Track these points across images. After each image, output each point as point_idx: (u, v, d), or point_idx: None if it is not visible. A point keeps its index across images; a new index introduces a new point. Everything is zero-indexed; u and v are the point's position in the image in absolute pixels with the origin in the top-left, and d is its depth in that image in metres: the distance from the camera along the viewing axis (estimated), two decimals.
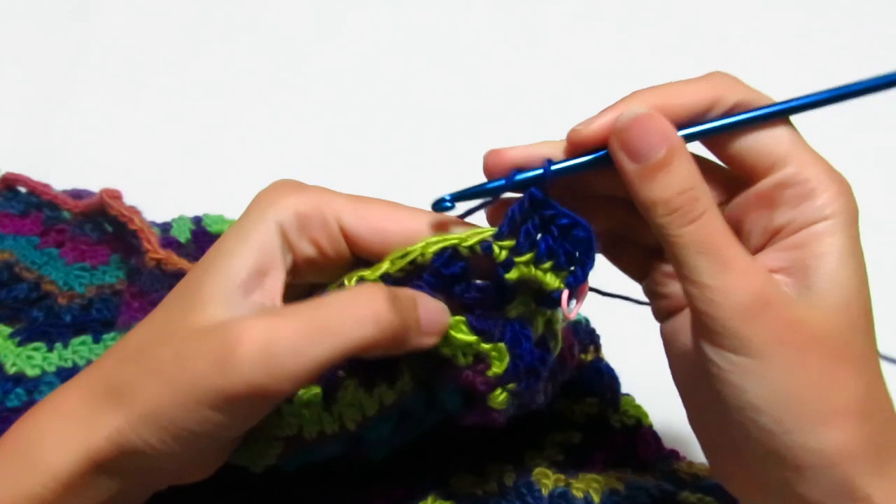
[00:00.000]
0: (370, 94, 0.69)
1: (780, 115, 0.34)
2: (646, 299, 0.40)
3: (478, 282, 0.35)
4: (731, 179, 0.36)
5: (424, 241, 0.34)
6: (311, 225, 0.34)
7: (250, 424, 0.33)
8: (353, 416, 0.37)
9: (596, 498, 0.41)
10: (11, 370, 0.49)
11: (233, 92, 0.69)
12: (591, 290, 0.37)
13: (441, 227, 0.35)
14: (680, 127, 0.33)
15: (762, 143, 0.34)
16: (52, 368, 0.50)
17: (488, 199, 0.35)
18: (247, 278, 0.33)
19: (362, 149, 0.66)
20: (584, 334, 0.48)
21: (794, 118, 0.34)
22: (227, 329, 0.31)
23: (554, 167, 0.34)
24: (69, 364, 0.50)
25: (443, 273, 0.34)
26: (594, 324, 0.49)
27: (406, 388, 0.37)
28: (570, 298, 0.35)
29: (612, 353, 0.49)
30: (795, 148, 0.34)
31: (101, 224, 0.55)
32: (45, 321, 0.51)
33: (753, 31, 0.72)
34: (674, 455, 0.46)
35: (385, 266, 0.34)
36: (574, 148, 0.35)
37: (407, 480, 0.43)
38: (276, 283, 0.34)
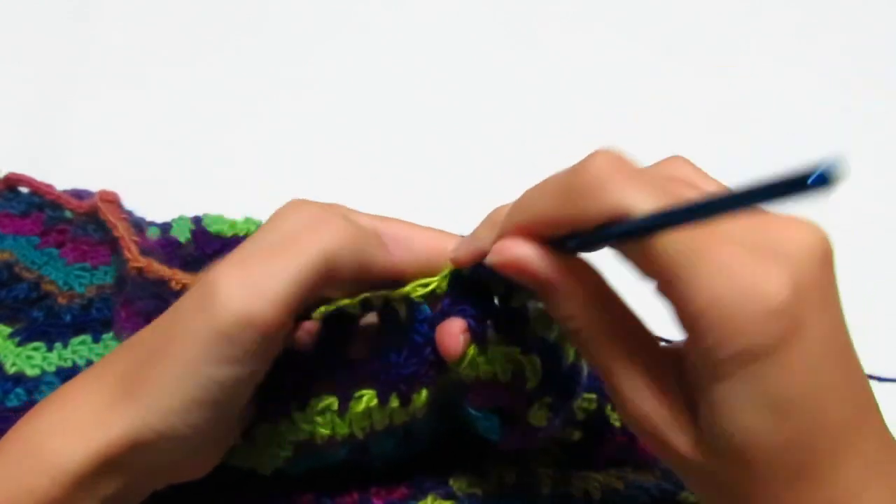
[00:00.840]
0: (370, 94, 0.69)
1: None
2: None
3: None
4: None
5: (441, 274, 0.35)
6: (343, 278, 0.33)
7: (255, 375, 0.33)
8: (362, 426, 0.37)
9: (596, 497, 0.41)
10: (11, 370, 0.49)
11: (233, 92, 0.69)
12: None
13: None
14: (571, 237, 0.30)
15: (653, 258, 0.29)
16: (52, 368, 0.50)
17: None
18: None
19: (362, 148, 0.66)
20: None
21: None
22: (202, 279, 0.32)
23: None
24: (69, 364, 0.50)
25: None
26: None
27: (418, 410, 0.37)
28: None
29: None
30: (687, 265, 0.28)
31: (104, 224, 0.55)
32: (44, 321, 0.51)
33: (753, 30, 0.72)
34: None
35: (408, 289, 0.35)
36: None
37: (407, 480, 0.43)
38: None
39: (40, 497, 0.32)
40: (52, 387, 0.49)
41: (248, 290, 0.31)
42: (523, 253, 0.31)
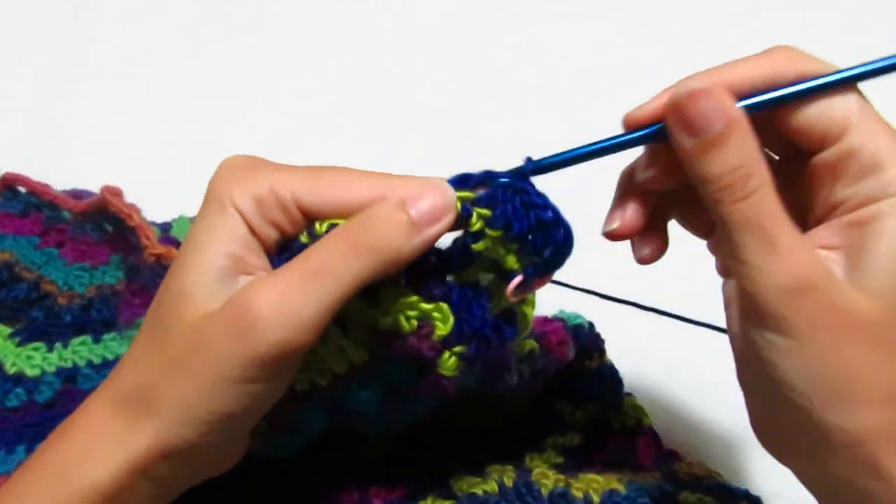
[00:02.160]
0: (370, 94, 0.69)
1: (844, 82, 0.33)
2: (608, 293, 0.40)
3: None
4: (795, 149, 0.35)
5: None
6: (270, 210, 0.34)
7: (283, 386, 0.34)
8: (319, 369, 0.36)
9: (596, 498, 0.41)
10: (11, 370, 0.49)
11: (233, 91, 0.69)
12: (555, 282, 0.37)
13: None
14: (741, 99, 0.33)
15: (826, 112, 0.33)
16: (52, 368, 0.50)
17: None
18: (224, 263, 0.33)
19: (362, 148, 0.66)
20: (589, 339, 0.47)
21: (866, 90, 0.34)
22: (235, 302, 0.32)
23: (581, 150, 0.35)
24: (69, 364, 0.50)
25: None
26: (598, 328, 0.49)
27: (356, 350, 0.36)
28: (521, 284, 0.35)
29: (613, 353, 0.49)
30: (863, 118, 0.33)
31: (102, 224, 0.55)
32: (44, 321, 0.51)
33: (753, 30, 0.72)
34: (674, 455, 0.46)
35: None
36: (630, 130, 0.35)
37: (407, 480, 0.43)
38: (259, 261, 0.34)
39: None
40: (51, 387, 0.49)
41: (287, 320, 0.31)
42: (719, 94, 0.32)
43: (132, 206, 0.54)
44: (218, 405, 0.32)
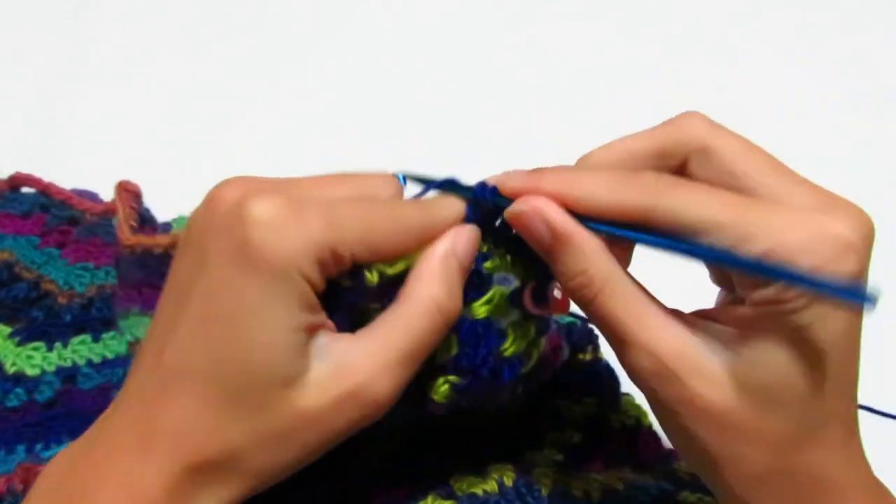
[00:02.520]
0: (370, 93, 0.69)
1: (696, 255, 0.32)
2: None
3: None
4: None
5: None
6: (329, 270, 0.32)
7: None
8: None
9: (596, 498, 0.41)
10: (11, 370, 0.49)
11: (233, 91, 0.69)
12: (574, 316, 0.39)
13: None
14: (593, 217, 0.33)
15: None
16: (52, 368, 0.50)
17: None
18: (306, 333, 0.32)
19: (362, 148, 0.66)
20: (582, 334, 0.48)
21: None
22: (345, 380, 0.33)
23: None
24: (69, 363, 0.50)
25: None
26: (592, 325, 0.49)
27: None
28: (535, 296, 0.36)
29: (612, 353, 0.49)
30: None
31: (114, 227, 0.55)
32: (44, 321, 0.51)
33: (753, 30, 0.72)
34: (674, 455, 0.46)
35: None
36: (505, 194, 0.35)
37: (407, 480, 0.43)
38: (322, 314, 0.33)
39: None
40: (51, 387, 0.49)
41: (390, 396, 0.34)
42: (550, 208, 0.33)
43: (130, 205, 0.53)
44: (301, 466, 0.34)
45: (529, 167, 0.35)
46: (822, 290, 0.29)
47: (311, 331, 0.33)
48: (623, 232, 0.32)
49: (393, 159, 0.65)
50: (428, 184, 0.37)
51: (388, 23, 0.74)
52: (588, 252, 0.33)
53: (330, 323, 0.34)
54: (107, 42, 0.72)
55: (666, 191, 0.32)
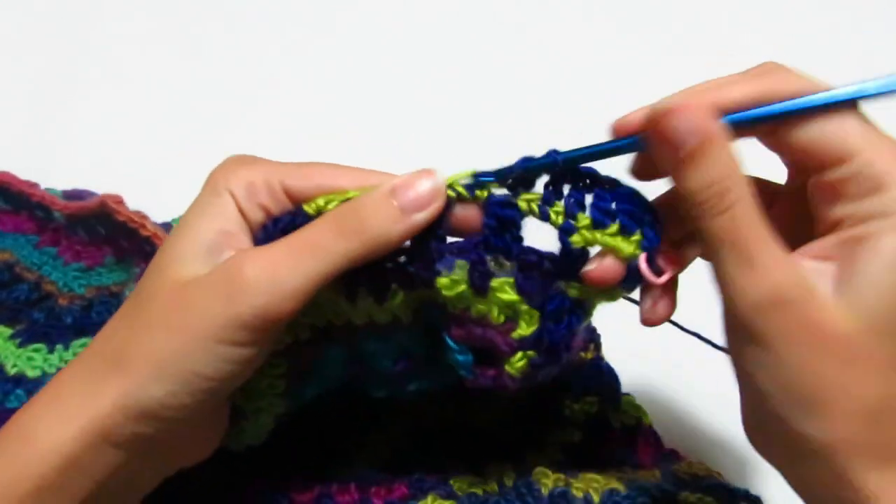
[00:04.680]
0: (370, 94, 0.69)
1: (836, 105, 0.33)
2: None
3: (541, 249, 0.36)
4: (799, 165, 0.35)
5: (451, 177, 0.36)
6: (259, 192, 0.36)
7: (259, 356, 0.35)
8: (336, 312, 0.37)
9: (596, 498, 0.41)
10: (12, 371, 0.49)
11: (232, 91, 0.69)
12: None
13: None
14: (728, 114, 0.33)
15: (824, 135, 0.33)
16: (53, 370, 0.50)
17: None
18: (215, 237, 0.35)
19: (362, 147, 0.66)
20: (585, 332, 0.48)
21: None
22: (227, 265, 0.34)
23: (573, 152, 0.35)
24: None
25: (499, 214, 0.35)
26: (594, 323, 0.49)
27: (400, 314, 0.37)
28: (650, 263, 0.35)
29: (612, 353, 0.49)
30: (864, 139, 0.33)
31: (94, 226, 0.55)
32: (45, 322, 0.51)
33: (754, 30, 0.72)
34: (674, 455, 0.46)
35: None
36: (618, 137, 0.35)
37: (407, 480, 0.43)
38: (244, 241, 0.36)
39: (37, 482, 0.32)
40: None
41: (275, 287, 0.33)
42: (699, 110, 0.32)
43: (140, 214, 0.53)
44: (194, 364, 0.33)
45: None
46: None
47: (229, 240, 0.35)
48: (765, 110, 0.33)
49: (392, 160, 0.65)
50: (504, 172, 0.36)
51: (388, 22, 0.74)
52: (733, 158, 0.32)
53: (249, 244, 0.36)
54: (107, 42, 0.72)
55: (788, 73, 0.34)
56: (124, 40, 0.72)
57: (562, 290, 0.36)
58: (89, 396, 0.33)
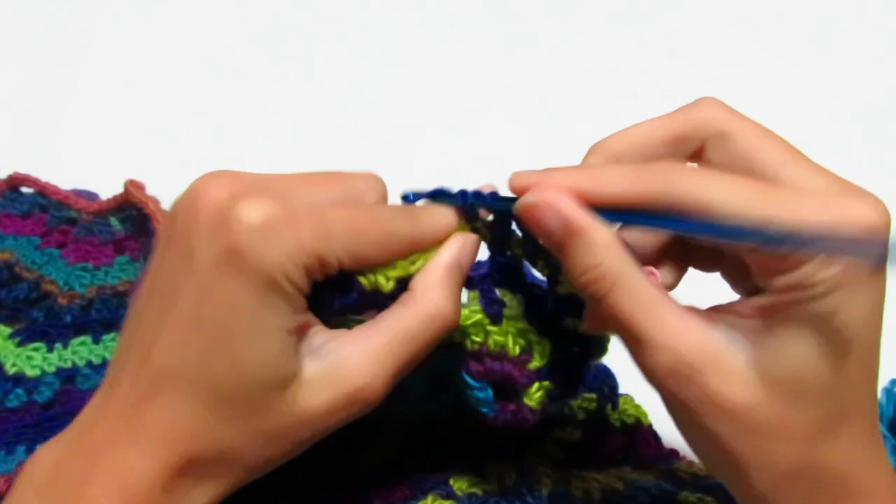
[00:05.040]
0: (371, 95, 0.69)
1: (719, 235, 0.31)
2: None
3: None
4: None
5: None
6: (316, 276, 0.32)
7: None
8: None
9: (596, 497, 0.41)
10: (11, 370, 0.49)
11: (233, 91, 0.69)
12: None
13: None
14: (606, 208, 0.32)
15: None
16: (52, 369, 0.50)
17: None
18: (296, 336, 0.33)
19: (362, 149, 0.66)
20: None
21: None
22: (342, 384, 0.33)
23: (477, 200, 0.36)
24: (69, 365, 0.50)
25: (498, 262, 0.37)
26: None
27: None
28: None
29: (612, 353, 0.48)
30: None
31: (110, 225, 0.55)
32: (45, 321, 0.51)
33: (751, 31, 0.72)
34: (674, 455, 0.46)
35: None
36: (515, 192, 0.34)
37: (407, 480, 0.43)
38: (310, 315, 0.34)
39: None
40: (51, 387, 0.49)
41: (380, 393, 0.34)
42: (562, 199, 0.32)
43: (151, 198, 0.54)
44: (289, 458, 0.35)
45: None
46: (855, 251, 0.28)
47: (301, 332, 0.33)
48: (639, 218, 0.31)
49: (393, 160, 0.65)
50: (426, 195, 0.37)
51: (388, 24, 0.74)
52: (602, 245, 0.32)
53: (318, 322, 0.34)
54: (107, 42, 0.72)
55: (684, 176, 0.31)
56: (125, 40, 0.72)
57: (569, 326, 0.37)
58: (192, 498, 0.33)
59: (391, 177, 0.59)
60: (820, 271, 0.29)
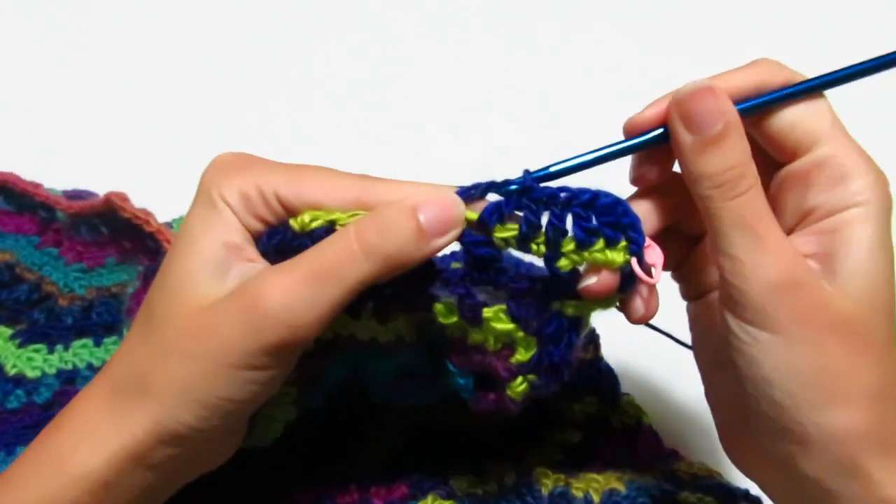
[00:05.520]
0: (371, 96, 0.69)
1: (819, 88, 0.35)
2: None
3: (528, 271, 0.36)
4: (768, 160, 0.37)
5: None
6: (254, 204, 0.35)
7: (283, 375, 0.35)
8: (341, 325, 0.37)
9: (596, 498, 0.41)
10: (12, 372, 0.49)
11: (233, 92, 0.69)
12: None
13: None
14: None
15: (799, 123, 0.35)
16: (53, 370, 0.50)
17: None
18: (221, 252, 0.34)
19: (362, 149, 0.66)
20: (584, 338, 0.48)
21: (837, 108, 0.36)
22: (244, 293, 0.33)
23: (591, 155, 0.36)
24: (69, 366, 0.50)
25: (475, 253, 0.34)
26: (593, 323, 0.49)
27: (403, 333, 0.38)
28: (640, 265, 0.35)
29: (612, 353, 0.49)
30: (834, 132, 0.35)
31: (97, 226, 0.55)
32: (45, 323, 0.51)
33: (751, 31, 0.72)
34: (674, 455, 0.46)
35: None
36: (630, 136, 0.36)
37: (407, 480, 0.43)
38: (251, 251, 0.35)
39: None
40: (51, 389, 0.49)
41: (293, 318, 0.32)
42: (721, 94, 0.33)
43: (145, 211, 0.54)
44: (219, 390, 0.33)
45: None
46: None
47: (237, 253, 0.34)
48: (758, 100, 0.35)
49: (392, 161, 0.65)
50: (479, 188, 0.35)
51: (389, 25, 0.74)
52: (748, 146, 0.33)
53: (259, 257, 0.35)
54: (107, 42, 0.72)
55: (770, 63, 0.36)
56: (125, 40, 0.72)
57: (558, 310, 0.35)
58: (119, 423, 0.33)
59: (391, 177, 0.59)
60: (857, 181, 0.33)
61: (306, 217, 0.34)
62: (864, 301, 0.33)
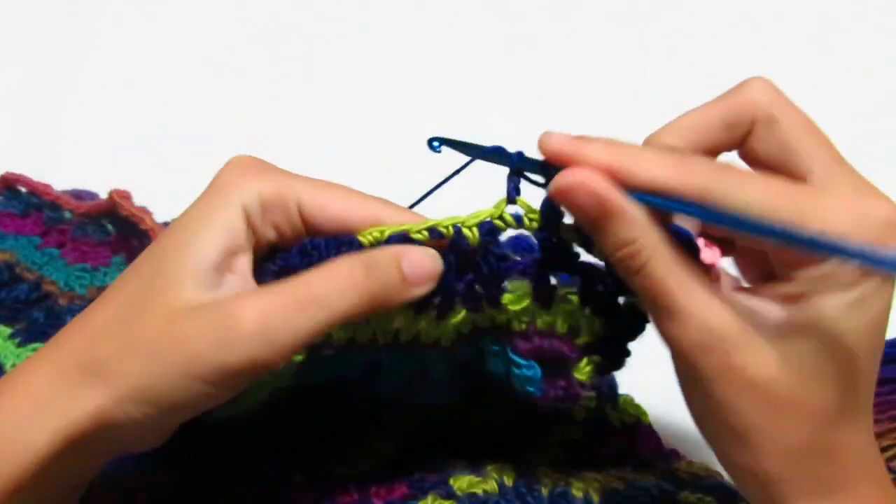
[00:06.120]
0: (370, 96, 0.69)
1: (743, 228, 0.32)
2: None
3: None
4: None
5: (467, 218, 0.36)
6: (274, 211, 0.35)
7: (236, 393, 0.34)
8: (386, 330, 0.37)
9: (596, 498, 0.41)
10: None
11: (233, 92, 0.69)
12: None
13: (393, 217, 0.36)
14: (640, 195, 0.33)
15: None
16: None
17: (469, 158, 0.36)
18: (218, 259, 0.34)
19: (362, 149, 0.66)
20: None
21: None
22: (223, 308, 0.32)
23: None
24: None
25: (547, 245, 0.36)
26: None
27: (444, 335, 0.38)
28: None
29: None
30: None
31: (104, 226, 0.55)
32: (45, 322, 0.51)
33: (751, 31, 0.72)
34: (674, 455, 0.46)
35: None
36: (546, 155, 0.35)
37: (407, 480, 0.43)
38: (246, 263, 0.35)
39: (5, 482, 0.32)
40: None
41: (269, 341, 0.32)
42: (597, 181, 0.32)
43: (143, 210, 0.54)
44: (174, 395, 0.32)
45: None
46: (874, 263, 0.30)
47: (229, 263, 0.34)
48: (674, 204, 0.32)
49: (393, 162, 0.65)
50: (464, 149, 0.36)
51: (390, 26, 0.74)
52: (638, 221, 0.33)
53: (249, 273, 0.35)
54: (107, 42, 0.72)
55: (721, 174, 0.32)
56: (125, 40, 0.72)
57: (627, 301, 0.37)
58: (65, 404, 0.33)
59: (391, 177, 0.60)
60: (841, 268, 0.31)
61: (375, 232, 0.35)
62: (802, 368, 0.33)
